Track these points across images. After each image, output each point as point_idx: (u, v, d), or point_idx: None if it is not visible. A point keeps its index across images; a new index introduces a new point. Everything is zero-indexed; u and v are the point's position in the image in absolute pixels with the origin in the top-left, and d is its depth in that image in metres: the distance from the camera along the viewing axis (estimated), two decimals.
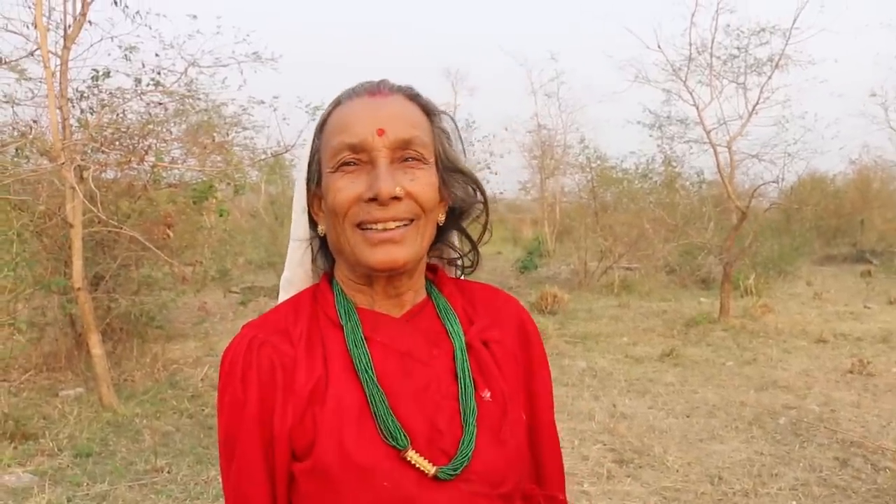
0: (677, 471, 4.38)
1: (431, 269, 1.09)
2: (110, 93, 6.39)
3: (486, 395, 0.98)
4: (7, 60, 5.76)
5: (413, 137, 0.95)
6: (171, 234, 6.86)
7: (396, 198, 0.92)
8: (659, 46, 10.44)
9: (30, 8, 5.26)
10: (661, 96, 11.45)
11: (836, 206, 18.12)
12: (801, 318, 9.68)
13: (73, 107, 6.04)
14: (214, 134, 7.79)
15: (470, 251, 1.11)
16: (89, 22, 5.59)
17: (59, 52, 5.39)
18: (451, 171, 1.01)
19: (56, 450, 4.64)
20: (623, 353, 7.73)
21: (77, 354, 6.58)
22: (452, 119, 1.05)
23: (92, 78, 6.18)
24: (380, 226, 0.93)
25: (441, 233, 1.05)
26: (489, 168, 15.03)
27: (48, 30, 5.30)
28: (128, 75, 6.29)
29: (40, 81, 5.88)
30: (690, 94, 10.40)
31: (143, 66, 6.23)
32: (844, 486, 4.15)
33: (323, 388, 0.94)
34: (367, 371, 0.94)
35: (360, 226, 0.93)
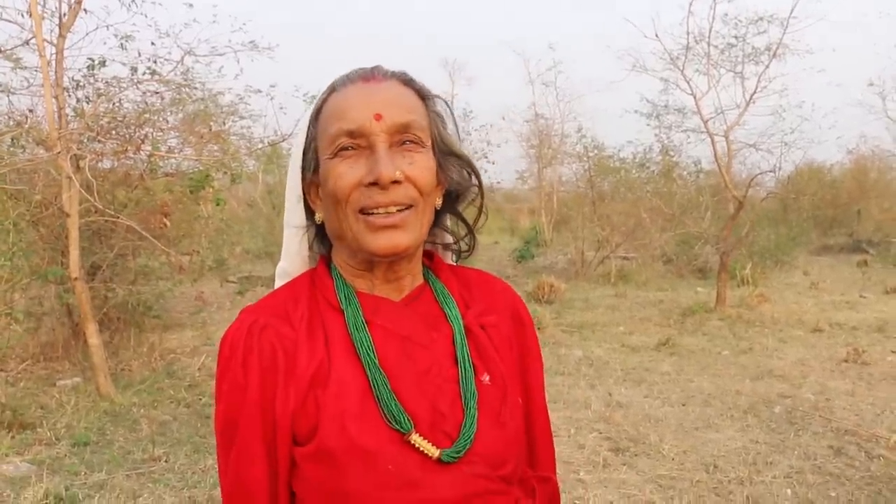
0: (673, 459, 4.40)
1: (428, 255, 1.10)
2: (106, 82, 6.36)
3: (486, 378, 0.99)
4: (2, 49, 5.73)
5: (410, 121, 0.95)
6: (168, 224, 6.85)
7: (396, 182, 0.92)
8: (656, 35, 10.42)
9: None
10: (658, 85, 11.44)
11: (832, 195, 18.12)
12: (797, 308, 9.71)
13: (69, 96, 6.01)
14: (211, 123, 7.78)
15: (466, 235, 1.11)
16: (84, 10, 5.57)
17: (55, 41, 5.36)
18: (446, 154, 1.02)
19: (54, 439, 4.65)
20: (619, 343, 7.75)
21: (74, 344, 6.58)
22: (447, 103, 1.05)
23: (88, 67, 6.16)
24: (381, 210, 0.93)
25: (437, 217, 1.05)
26: (486, 158, 15.02)
27: (43, 18, 5.27)
28: (124, 64, 6.27)
29: (36, 70, 5.85)
30: (688, 83, 10.39)
31: (139, 54, 6.21)
32: (838, 473, 4.18)
33: (325, 371, 0.94)
34: (369, 354, 0.94)
35: (363, 211, 0.93)
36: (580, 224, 14.04)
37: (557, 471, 1.16)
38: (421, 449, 0.91)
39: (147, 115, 6.63)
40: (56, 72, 5.34)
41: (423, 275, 1.06)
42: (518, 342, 1.09)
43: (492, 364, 1.01)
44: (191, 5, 6.34)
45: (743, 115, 10.37)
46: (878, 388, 5.95)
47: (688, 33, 10.26)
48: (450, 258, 1.15)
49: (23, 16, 5.39)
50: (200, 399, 5.57)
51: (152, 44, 6.24)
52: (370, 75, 0.98)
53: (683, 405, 5.52)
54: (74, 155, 5.43)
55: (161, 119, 7.00)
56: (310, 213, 1.04)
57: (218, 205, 7.49)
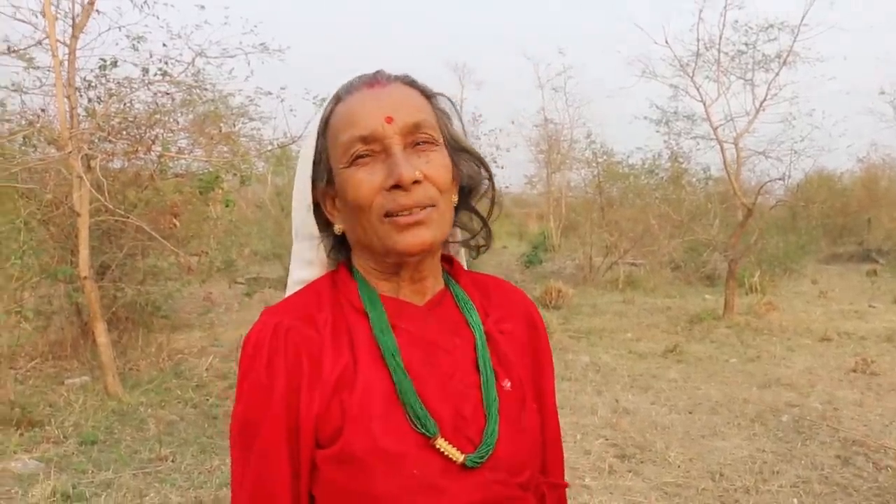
0: (679, 466, 4.39)
1: (447, 259, 1.10)
2: (118, 82, 6.41)
3: (507, 384, 0.99)
4: (15, 49, 5.78)
5: (421, 121, 0.95)
6: (178, 224, 6.89)
7: (417, 182, 0.92)
8: (667, 41, 10.42)
9: None
10: (668, 92, 11.44)
11: (842, 204, 18.05)
12: (805, 317, 9.67)
13: (81, 96, 6.05)
14: (221, 124, 7.81)
15: (482, 229, 1.10)
16: (97, 11, 5.62)
17: (67, 41, 5.40)
18: (457, 150, 1.02)
19: (62, 437, 4.67)
20: (626, 349, 7.73)
21: (83, 343, 6.62)
22: (450, 99, 1.05)
23: (100, 67, 6.21)
24: (406, 212, 0.92)
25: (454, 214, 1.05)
26: (496, 162, 14.95)
27: (56, 18, 5.32)
28: (135, 65, 6.32)
29: (48, 70, 5.90)
30: (697, 89, 10.40)
31: (151, 55, 6.26)
32: (846, 484, 4.15)
33: (351, 374, 0.93)
34: (394, 358, 0.94)
35: (388, 215, 0.93)
36: (588, 230, 14.02)
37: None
38: (446, 453, 0.91)
39: (158, 116, 6.67)
40: (68, 72, 5.38)
41: (444, 280, 1.06)
42: (532, 348, 1.09)
43: (512, 370, 1.01)
44: (203, 7, 6.38)
45: (753, 123, 10.36)
46: (887, 398, 5.91)
47: (698, 40, 10.28)
48: (464, 257, 1.15)
49: (36, 16, 5.45)
50: (207, 399, 5.58)
51: (164, 45, 6.29)
52: (374, 80, 0.98)
53: (690, 413, 5.50)
54: (85, 155, 5.46)
55: (171, 120, 7.05)
56: (323, 222, 1.03)
57: (227, 206, 7.51)
